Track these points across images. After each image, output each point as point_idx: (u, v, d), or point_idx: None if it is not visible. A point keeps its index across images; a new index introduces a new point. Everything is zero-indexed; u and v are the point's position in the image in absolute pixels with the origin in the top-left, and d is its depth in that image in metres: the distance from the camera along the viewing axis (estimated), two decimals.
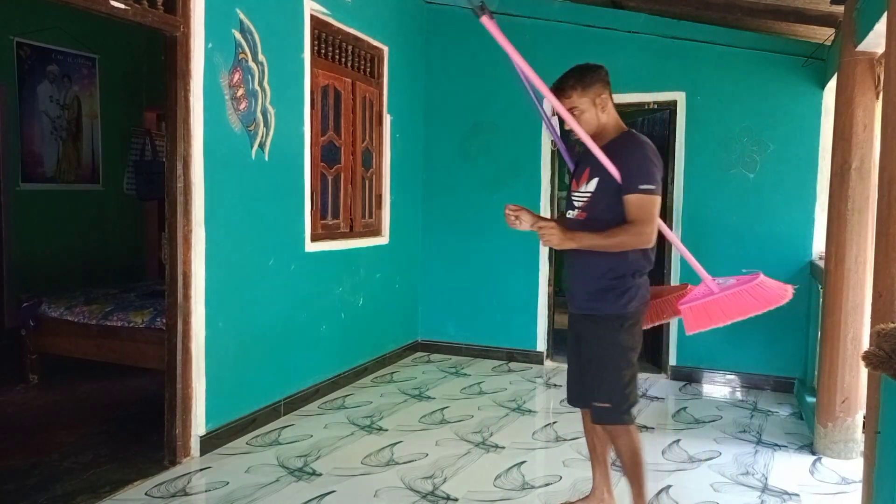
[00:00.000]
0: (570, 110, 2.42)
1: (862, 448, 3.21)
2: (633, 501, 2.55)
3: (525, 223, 2.49)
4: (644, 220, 2.28)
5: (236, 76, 3.40)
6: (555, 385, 4.73)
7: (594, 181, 2.40)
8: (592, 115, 2.43)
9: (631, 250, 2.34)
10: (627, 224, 2.30)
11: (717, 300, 2.40)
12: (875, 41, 3.00)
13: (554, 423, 3.93)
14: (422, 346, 5.57)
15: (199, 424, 3.27)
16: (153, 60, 6.03)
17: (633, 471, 2.49)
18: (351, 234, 4.56)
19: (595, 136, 2.41)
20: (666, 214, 4.88)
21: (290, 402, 3.93)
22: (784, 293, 2.44)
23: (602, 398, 2.41)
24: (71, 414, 3.84)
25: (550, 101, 2.41)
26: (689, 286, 2.56)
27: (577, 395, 2.60)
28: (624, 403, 2.40)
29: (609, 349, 2.40)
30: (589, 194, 2.42)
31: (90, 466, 3.08)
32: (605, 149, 2.36)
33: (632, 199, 2.29)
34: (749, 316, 2.39)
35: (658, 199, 2.32)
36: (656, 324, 2.68)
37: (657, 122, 5.11)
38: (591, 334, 2.45)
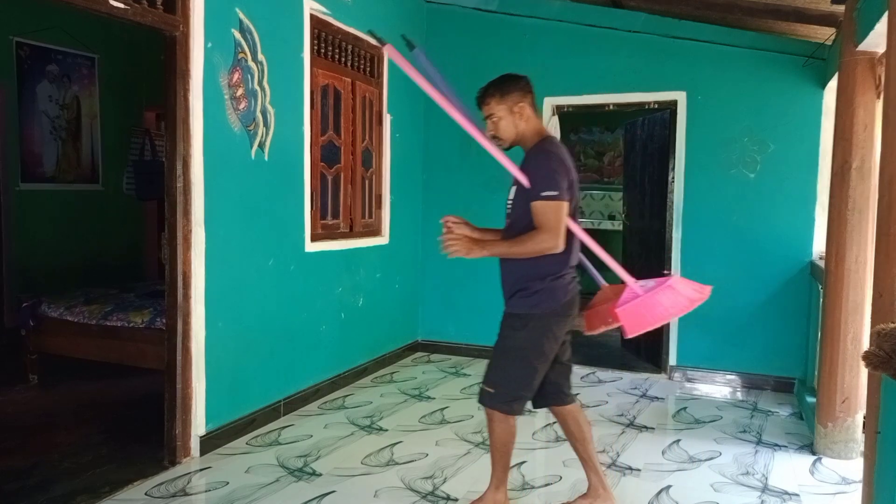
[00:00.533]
0: (489, 117, 2.56)
1: (862, 448, 3.21)
2: (490, 484, 2.65)
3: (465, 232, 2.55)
4: (546, 226, 2.36)
5: (236, 76, 3.39)
6: None
7: (513, 189, 2.55)
8: (510, 123, 2.54)
9: (544, 255, 2.41)
10: (533, 231, 2.39)
11: (643, 301, 2.44)
12: (875, 41, 3.00)
13: (554, 423, 3.92)
14: (422, 346, 5.57)
15: (198, 424, 3.27)
16: (153, 60, 6.00)
17: (497, 456, 2.61)
18: (351, 234, 4.56)
19: (519, 145, 2.56)
20: (666, 214, 4.89)
21: (290, 402, 3.93)
22: (701, 293, 2.54)
23: (490, 382, 2.54)
24: (71, 414, 3.83)
25: (454, 116, 2.58)
26: (624, 286, 2.56)
27: (539, 397, 2.67)
28: (507, 394, 2.52)
29: (509, 342, 2.53)
30: (510, 202, 2.57)
31: (90, 466, 3.08)
32: (524, 157, 2.50)
33: (536, 206, 2.38)
34: (675, 317, 2.47)
35: (562, 205, 2.38)
36: (608, 328, 2.70)
37: (657, 121, 5.11)
38: (502, 327, 2.58)
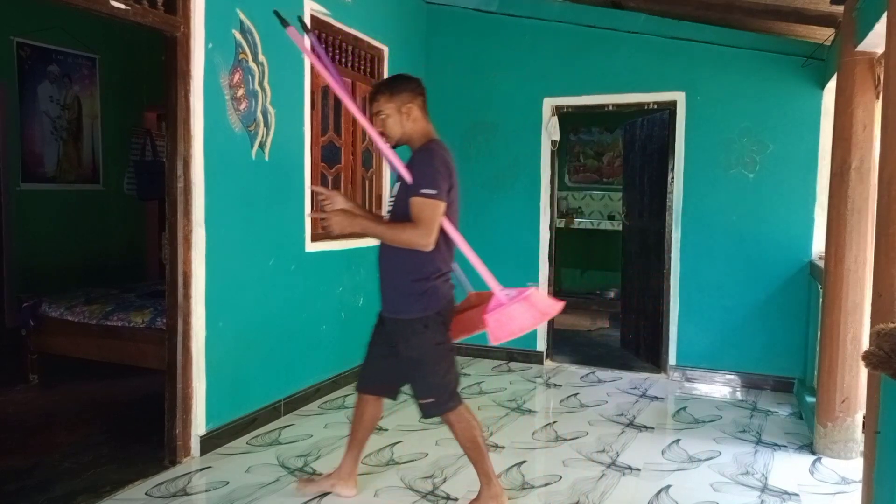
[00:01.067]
0: (377, 114, 2.60)
1: (862, 448, 3.22)
2: (480, 482, 2.69)
3: (338, 205, 2.62)
4: (420, 221, 2.43)
5: (236, 76, 3.40)
6: (555, 385, 4.74)
7: (397, 185, 2.61)
8: (396, 122, 2.58)
9: (429, 253, 2.48)
10: (408, 223, 2.45)
11: (509, 310, 2.48)
12: (875, 41, 3.00)
13: (554, 423, 3.93)
14: None
15: (199, 424, 3.27)
16: (153, 60, 6.02)
17: (474, 453, 2.65)
18: (351, 234, 4.55)
19: (406, 143, 2.61)
20: (666, 214, 4.89)
21: (290, 402, 3.93)
22: (553, 309, 2.62)
23: (424, 395, 2.60)
24: (71, 414, 3.84)
25: (350, 108, 2.65)
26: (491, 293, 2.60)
27: (369, 383, 2.79)
28: (444, 394, 2.59)
29: (419, 349, 2.56)
30: (393, 197, 2.63)
31: (90, 466, 3.08)
32: (410, 156, 2.56)
33: (414, 202, 2.44)
34: (529, 329, 2.53)
35: (439, 205, 2.44)
36: (468, 335, 2.77)
37: (657, 122, 5.12)
38: (401, 337, 2.59)
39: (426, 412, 2.62)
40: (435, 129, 2.66)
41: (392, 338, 2.62)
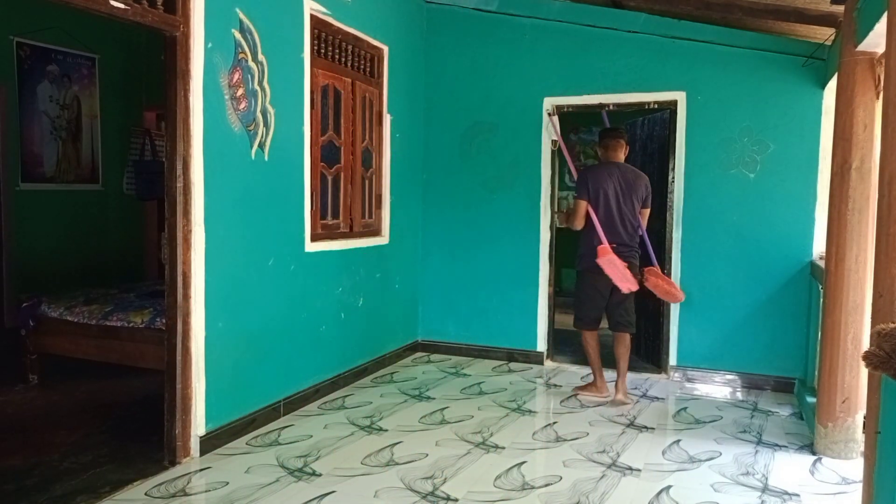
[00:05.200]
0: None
1: (862, 448, 3.21)
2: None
3: None
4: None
5: (236, 76, 3.40)
6: (555, 385, 4.73)
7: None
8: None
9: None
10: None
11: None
12: (875, 41, 3.00)
13: (554, 423, 3.93)
14: (422, 346, 5.57)
15: (198, 425, 3.27)
16: (153, 60, 6.03)
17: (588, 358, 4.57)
18: (351, 234, 4.56)
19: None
20: (666, 214, 4.89)
21: (290, 402, 3.93)
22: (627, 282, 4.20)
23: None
24: (71, 414, 3.83)
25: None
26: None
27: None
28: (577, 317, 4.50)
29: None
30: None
31: (90, 467, 3.08)
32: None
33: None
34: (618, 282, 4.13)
35: (578, 203, 4.33)
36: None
37: (657, 122, 5.11)
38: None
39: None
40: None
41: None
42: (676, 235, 4.85)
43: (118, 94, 6.37)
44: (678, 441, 3.64)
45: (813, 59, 4.39)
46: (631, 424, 3.90)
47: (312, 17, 4.00)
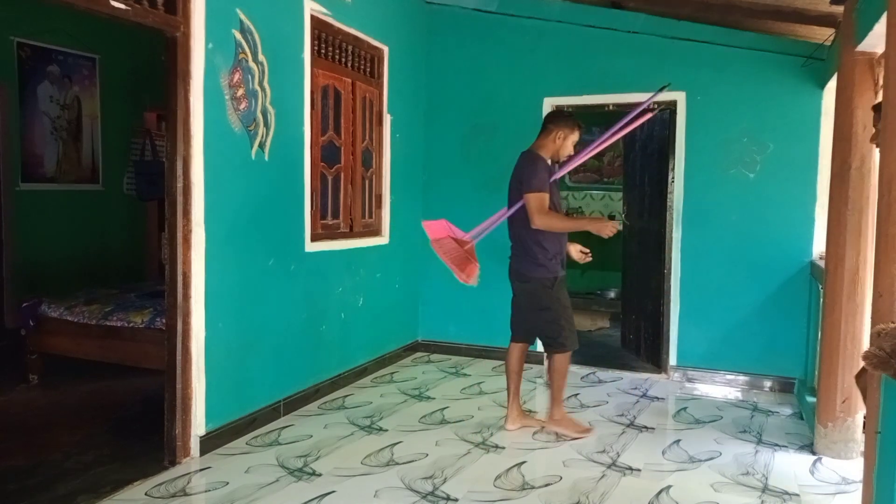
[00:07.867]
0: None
1: (862, 448, 3.21)
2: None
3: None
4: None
5: (236, 76, 3.40)
6: None
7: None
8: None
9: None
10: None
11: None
12: (875, 41, 3.00)
13: None
14: (422, 346, 5.57)
15: (198, 424, 3.27)
16: (153, 61, 6.01)
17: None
18: (351, 234, 4.56)
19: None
20: (666, 214, 4.89)
21: (290, 402, 3.93)
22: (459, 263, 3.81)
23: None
24: (71, 414, 3.84)
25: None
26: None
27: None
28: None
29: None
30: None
31: (91, 466, 3.08)
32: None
33: None
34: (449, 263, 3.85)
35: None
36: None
37: (657, 122, 5.11)
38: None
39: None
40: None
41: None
42: (676, 235, 4.85)
43: (119, 95, 6.38)
44: (678, 441, 3.64)
45: (812, 59, 4.39)
46: (631, 424, 3.90)
47: (313, 17, 4.00)
